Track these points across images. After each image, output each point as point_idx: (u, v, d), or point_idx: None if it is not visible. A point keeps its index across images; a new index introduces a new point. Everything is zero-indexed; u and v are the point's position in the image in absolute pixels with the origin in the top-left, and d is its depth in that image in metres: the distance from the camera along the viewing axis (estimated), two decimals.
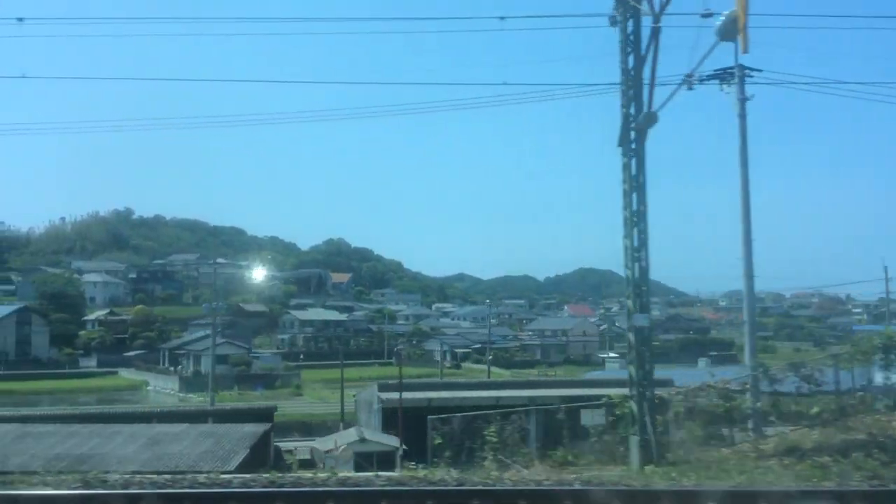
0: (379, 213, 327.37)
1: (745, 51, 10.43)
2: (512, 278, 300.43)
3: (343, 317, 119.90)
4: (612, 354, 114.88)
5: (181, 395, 74.50)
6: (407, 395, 31.43)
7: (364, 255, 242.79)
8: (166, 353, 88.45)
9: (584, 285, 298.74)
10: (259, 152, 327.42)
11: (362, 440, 27.35)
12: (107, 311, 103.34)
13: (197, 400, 69.79)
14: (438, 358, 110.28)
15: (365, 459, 26.55)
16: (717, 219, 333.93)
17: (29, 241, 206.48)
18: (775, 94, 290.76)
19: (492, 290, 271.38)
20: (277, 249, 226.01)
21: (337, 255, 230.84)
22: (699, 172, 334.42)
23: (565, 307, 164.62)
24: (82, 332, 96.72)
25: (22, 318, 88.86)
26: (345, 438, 28.41)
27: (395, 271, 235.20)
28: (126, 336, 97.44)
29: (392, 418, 31.38)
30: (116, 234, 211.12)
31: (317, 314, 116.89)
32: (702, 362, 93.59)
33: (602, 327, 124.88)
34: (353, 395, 38.18)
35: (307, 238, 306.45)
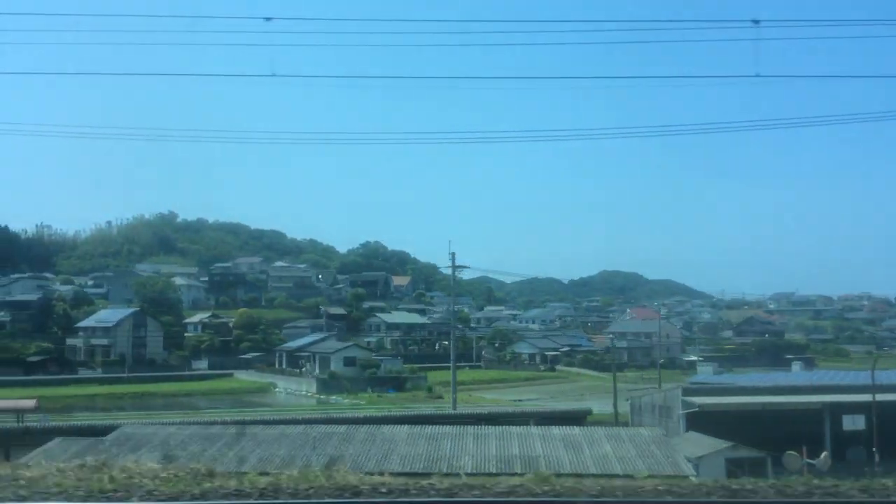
0: (412, 215, 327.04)
1: None
2: (538, 281, 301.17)
3: (425, 319, 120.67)
4: (694, 357, 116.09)
5: (319, 397, 75.14)
6: (730, 399, 32.27)
7: (401, 258, 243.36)
8: (283, 356, 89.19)
9: (609, 287, 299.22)
10: (295, 154, 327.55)
11: (734, 446, 27.82)
12: (209, 313, 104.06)
13: (345, 403, 70.62)
14: (526, 361, 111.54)
15: (737, 466, 27.13)
16: (749, 222, 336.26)
17: (76, 245, 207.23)
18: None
19: (518, 293, 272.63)
20: (316, 252, 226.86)
21: (374, 257, 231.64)
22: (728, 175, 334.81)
23: (627, 310, 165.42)
24: (188, 335, 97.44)
25: (137, 321, 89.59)
26: (701, 444, 28.84)
27: (432, 274, 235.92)
28: (230, 339, 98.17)
29: (700, 423, 32.12)
30: (162, 238, 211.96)
31: (401, 317, 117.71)
32: (795, 366, 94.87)
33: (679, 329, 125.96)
34: (627, 399, 38.86)
35: (344, 241, 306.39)
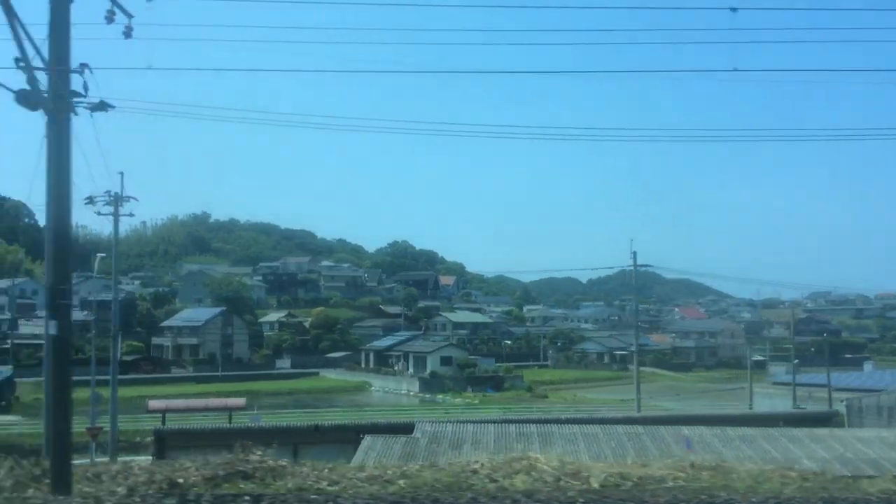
0: (437, 215, 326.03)
1: None
2: (555, 280, 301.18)
3: (488, 319, 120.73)
4: (760, 357, 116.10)
5: (424, 396, 75.15)
6: None
7: (429, 258, 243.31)
8: (371, 355, 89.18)
9: (628, 287, 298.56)
10: (321, 154, 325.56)
11: None
12: (284, 312, 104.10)
13: (456, 402, 70.58)
14: (594, 360, 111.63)
15: None
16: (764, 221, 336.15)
17: (111, 245, 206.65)
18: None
19: (537, 292, 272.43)
20: (346, 252, 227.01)
21: (403, 256, 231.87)
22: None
23: (675, 310, 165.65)
24: (268, 334, 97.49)
25: (225, 320, 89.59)
26: None
27: (461, 273, 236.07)
28: (308, 338, 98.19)
29: None
30: (197, 238, 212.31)
31: (465, 316, 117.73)
32: (867, 365, 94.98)
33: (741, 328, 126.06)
34: (842, 400, 38.60)
35: (372, 240, 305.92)
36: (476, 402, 69.39)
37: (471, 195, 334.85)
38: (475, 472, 11.32)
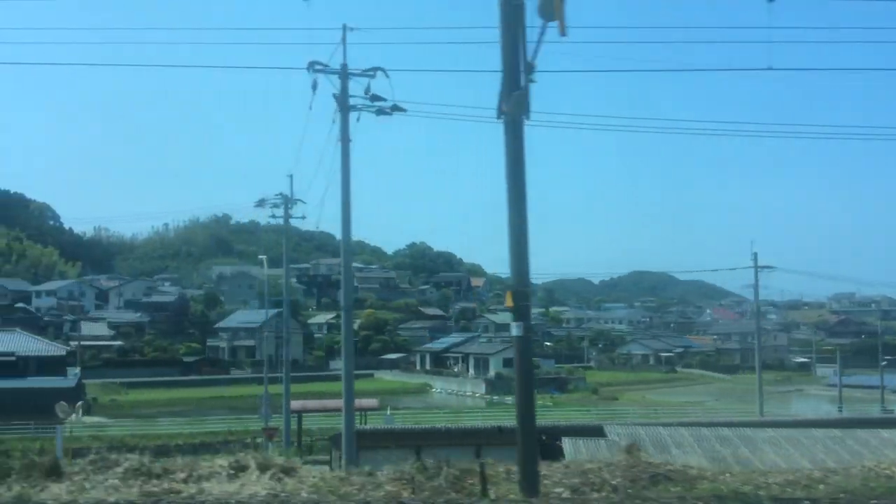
0: (453, 215, 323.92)
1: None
2: (567, 281, 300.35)
3: (538, 321, 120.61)
4: (803, 359, 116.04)
5: (492, 398, 74.85)
6: None
7: (447, 259, 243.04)
8: (427, 356, 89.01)
9: (639, 288, 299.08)
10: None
11: None
12: (332, 314, 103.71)
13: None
14: (638, 362, 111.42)
15: None
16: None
17: (133, 247, 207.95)
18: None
19: (547, 292, 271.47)
20: (366, 253, 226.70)
21: (421, 258, 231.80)
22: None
23: (708, 311, 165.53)
24: (318, 336, 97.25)
25: (279, 321, 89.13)
26: None
27: (481, 275, 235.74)
28: (357, 339, 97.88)
29: None
30: (219, 240, 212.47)
31: (508, 318, 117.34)
32: None
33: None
34: None
35: (390, 242, 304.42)
36: (550, 403, 69.07)
37: (477, 194, 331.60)
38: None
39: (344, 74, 17.56)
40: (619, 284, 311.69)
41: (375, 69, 17.51)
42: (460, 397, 77.43)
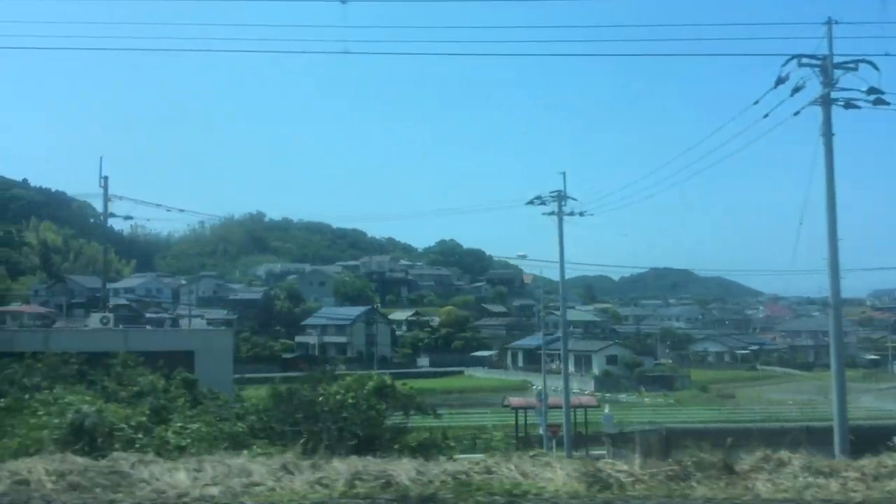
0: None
1: None
2: (588, 278, 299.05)
3: (597, 318, 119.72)
4: (874, 356, 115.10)
5: (605, 395, 73.66)
6: None
7: (477, 256, 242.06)
8: (519, 353, 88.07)
9: (660, 285, 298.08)
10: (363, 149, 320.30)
11: None
12: (411, 311, 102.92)
13: (646, 402, 68.94)
14: (712, 360, 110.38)
15: None
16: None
17: (169, 245, 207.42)
18: None
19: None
20: (398, 250, 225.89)
21: (451, 255, 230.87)
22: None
23: (760, 307, 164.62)
24: (400, 333, 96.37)
25: (369, 317, 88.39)
26: None
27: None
28: (437, 336, 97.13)
29: None
30: (255, 237, 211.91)
31: (578, 315, 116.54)
32: None
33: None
34: None
35: (419, 239, 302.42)
36: (672, 401, 68.04)
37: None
38: None
39: (827, 67, 16.61)
40: (639, 281, 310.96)
41: (859, 60, 16.59)
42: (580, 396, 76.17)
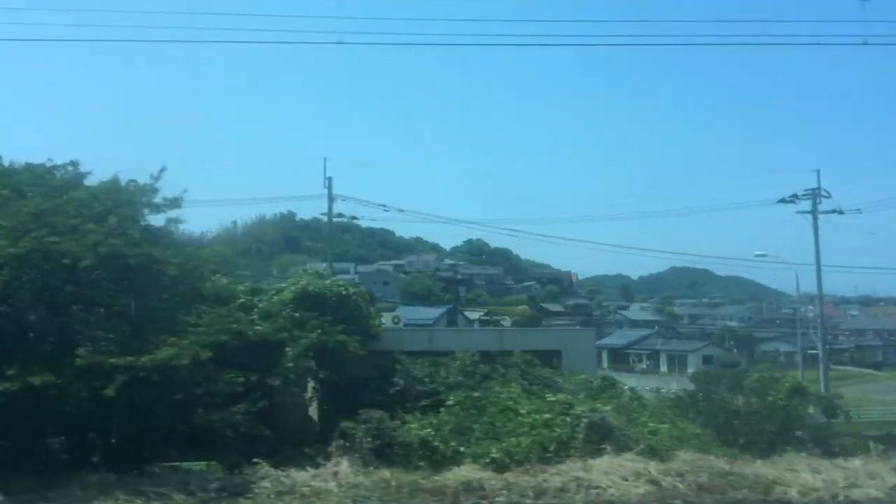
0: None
1: None
2: (607, 277, 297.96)
3: (659, 317, 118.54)
4: None
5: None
6: None
7: (505, 255, 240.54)
8: (605, 353, 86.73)
9: (680, 284, 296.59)
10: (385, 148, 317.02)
11: None
12: (483, 310, 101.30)
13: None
14: (782, 359, 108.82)
15: None
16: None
17: (203, 244, 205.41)
18: None
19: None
20: (426, 250, 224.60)
21: (479, 254, 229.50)
22: None
23: (809, 307, 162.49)
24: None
25: (451, 317, 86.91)
26: None
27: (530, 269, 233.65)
28: None
29: None
30: (288, 237, 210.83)
31: (640, 314, 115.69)
32: None
33: None
34: None
35: (447, 238, 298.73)
36: None
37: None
38: None
39: None
40: (658, 281, 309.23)
41: None
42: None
